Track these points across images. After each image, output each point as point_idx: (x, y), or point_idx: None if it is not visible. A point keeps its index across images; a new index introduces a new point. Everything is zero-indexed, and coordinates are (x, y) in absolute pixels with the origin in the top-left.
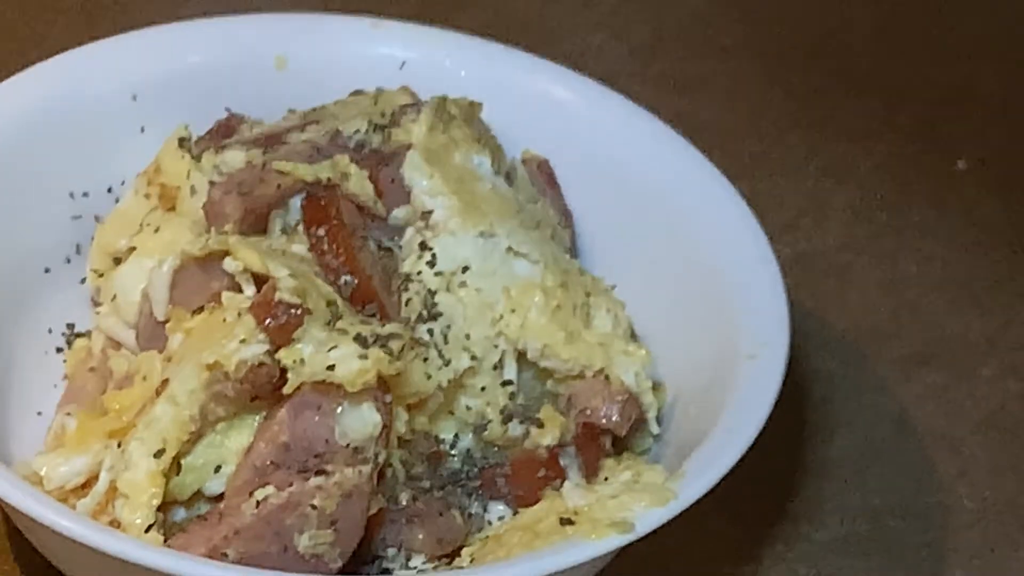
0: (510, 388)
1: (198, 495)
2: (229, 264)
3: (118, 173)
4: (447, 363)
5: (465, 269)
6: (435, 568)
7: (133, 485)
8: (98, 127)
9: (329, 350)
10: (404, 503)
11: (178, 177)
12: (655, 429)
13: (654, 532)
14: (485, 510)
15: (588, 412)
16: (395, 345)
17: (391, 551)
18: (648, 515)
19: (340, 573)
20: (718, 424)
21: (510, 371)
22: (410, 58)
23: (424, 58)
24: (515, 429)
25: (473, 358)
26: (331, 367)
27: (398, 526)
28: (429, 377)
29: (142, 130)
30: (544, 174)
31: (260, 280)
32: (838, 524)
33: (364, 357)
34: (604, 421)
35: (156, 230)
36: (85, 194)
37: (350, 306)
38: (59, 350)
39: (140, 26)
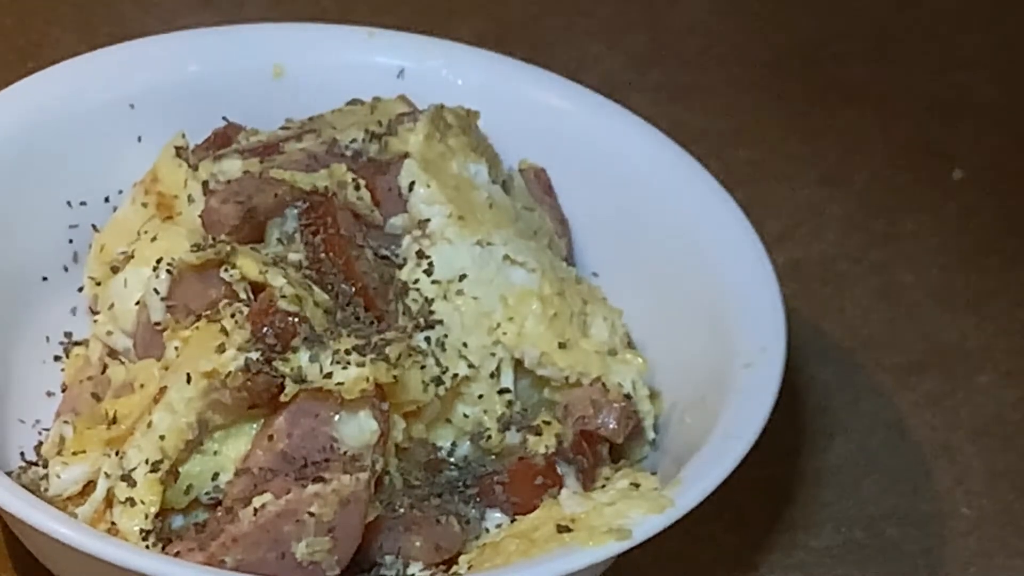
0: (507, 396)
1: (196, 503)
2: (226, 272)
3: (115, 182)
4: (444, 371)
5: (462, 277)
6: (432, 575)
7: (131, 493)
8: (95, 136)
9: (326, 358)
10: (402, 511)
11: (175, 186)
12: (651, 436)
13: (651, 539)
14: (483, 517)
15: (585, 420)
16: (392, 353)
17: (389, 558)
18: (645, 522)
19: None
20: (715, 432)
21: (507, 379)
22: (407, 67)
23: (421, 67)
24: (512, 437)
25: (470, 366)
26: (328, 375)
27: (396, 533)
28: (426, 385)
29: (139, 139)
30: (541, 183)
31: (257, 289)
32: (835, 532)
33: (361, 365)
34: (601, 429)
35: (153, 239)
36: (83, 203)
37: (347, 314)
38: (57, 358)
39: (137, 36)
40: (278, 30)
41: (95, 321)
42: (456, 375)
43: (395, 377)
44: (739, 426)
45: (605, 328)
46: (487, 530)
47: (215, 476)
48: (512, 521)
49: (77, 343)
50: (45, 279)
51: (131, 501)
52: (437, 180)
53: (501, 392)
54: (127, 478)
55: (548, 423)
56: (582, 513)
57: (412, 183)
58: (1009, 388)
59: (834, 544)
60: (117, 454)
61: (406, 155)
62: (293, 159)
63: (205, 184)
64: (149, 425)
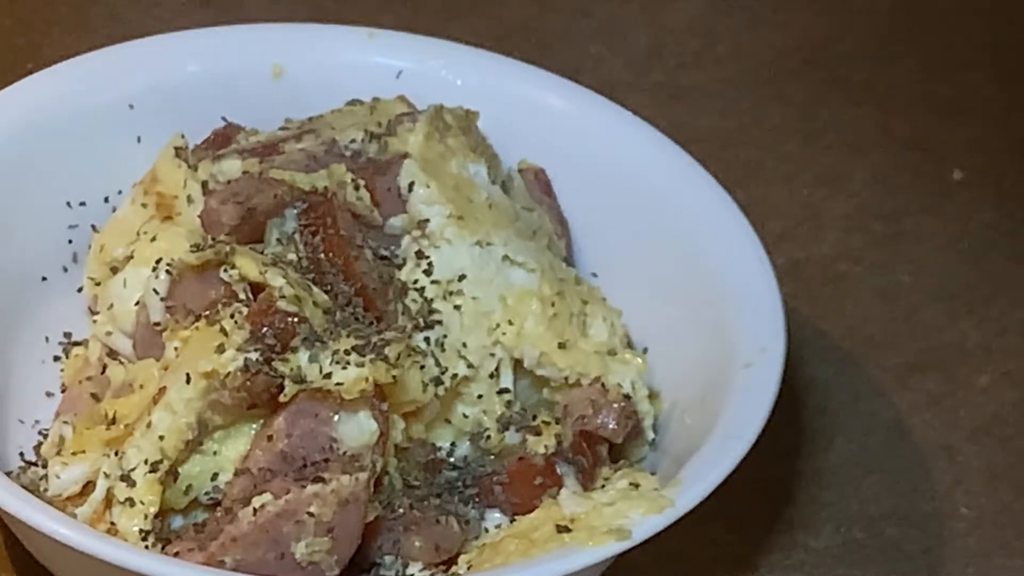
0: (507, 396)
1: (195, 503)
2: (226, 273)
3: (115, 182)
4: (444, 371)
5: (462, 278)
6: (432, 575)
7: (130, 493)
8: (95, 136)
9: (326, 358)
10: (401, 511)
11: (175, 186)
12: (651, 436)
13: (651, 539)
14: (482, 518)
15: (585, 420)
16: (392, 353)
17: (388, 559)
18: (645, 522)
19: None
20: (715, 432)
21: (507, 379)
22: (406, 67)
23: (421, 67)
24: (512, 437)
25: (470, 366)
26: (328, 375)
27: (395, 534)
28: (426, 385)
29: (139, 139)
30: (541, 183)
31: (257, 289)
32: (835, 532)
33: (361, 365)
34: (601, 429)
35: (153, 239)
36: (82, 203)
37: (347, 314)
38: (56, 359)
39: (137, 36)
40: (277, 30)
41: (94, 321)
42: (455, 375)
43: (394, 377)
44: (739, 426)
45: (604, 328)
46: (486, 530)
47: (214, 476)
48: (511, 521)
49: (76, 343)
50: (44, 279)
51: (130, 501)
52: (437, 180)
53: (500, 392)
54: (126, 478)
55: (548, 423)
56: (582, 513)
57: (412, 183)
58: (1009, 388)
59: (834, 544)
60: (116, 454)
61: (405, 155)
62: (292, 159)
63: (205, 184)
64: (148, 425)
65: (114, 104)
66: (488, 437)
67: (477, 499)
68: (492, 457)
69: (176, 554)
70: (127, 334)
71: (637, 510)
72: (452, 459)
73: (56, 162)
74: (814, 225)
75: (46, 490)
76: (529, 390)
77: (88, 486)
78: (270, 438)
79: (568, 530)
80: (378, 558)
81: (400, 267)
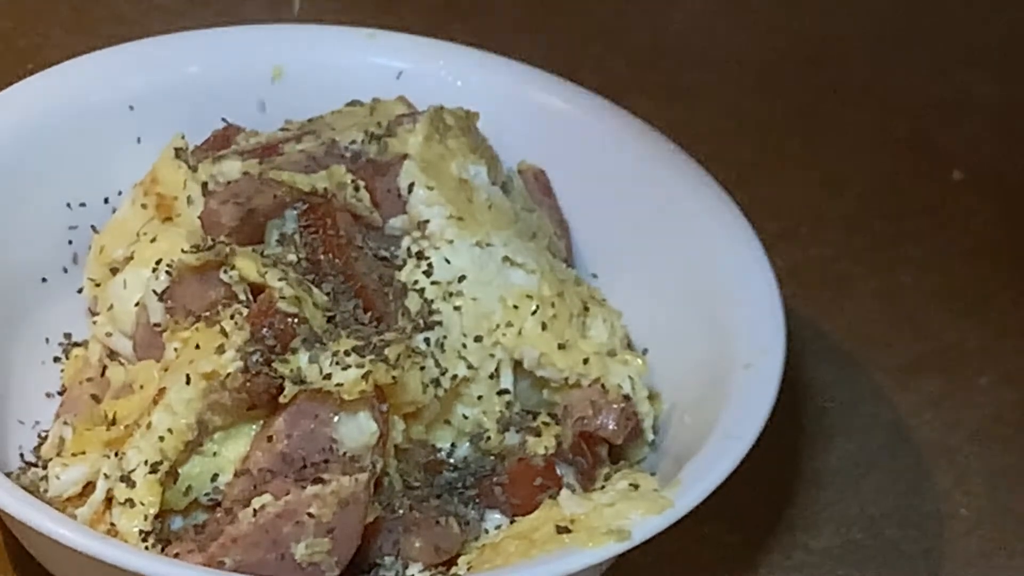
0: (507, 397)
1: (195, 504)
2: (226, 274)
3: (115, 183)
4: (444, 372)
5: (462, 279)
6: None
7: (130, 494)
8: (95, 137)
9: (325, 359)
10: (401, 512)
11: (175, 187)
12: (651, 437)
13: (650, 540)
14: (482, 518)
15: (585, 421)
16: (391, 354)
17: (388, 559)
18: (645, 523)
19: None
20: (714, 433)
21: (507, 380)
22: (406, 68)
23: (420, 68)
24: (512, 438)
25: (470, 367)
26: (328, 376)
27: (395, 534)
28: (425, 386)
29: (139, 140)
30: (540, 184)
31: (257, 290)
32: (835, 532)
33: (360, 366)
34: (601, 430)
35: (153, 240)
36: (82, 204)
37: (347, 315)
38: (56, 360)
39: (137, 37)
40: (277, 31)
41: (94, 322)
42: (455, 376)
43: (394, 378)
44: (739, 427)
45: (604, 329)
46: (486, 531)
47: (214, 477)
48: (511, 522)
49: (76, 344)
50: (44, 280)
51: (130, 502)
52: (437, 181)
53: (500, 393)
54: (126, 479)
55: (547, 424)
56: (581, 514)
57: (411, 184)
58: (1009, 389)
59: (834, 545)
60: (116, 455)
61: (405, 156)
62: (292, 160)
63: (204, 185)
64: (148, 426)
65: (114, 104)
66: (488, 438)
67: (477, 500)
68: (492, 458)
69: (176, 555)
70: (127, 335)
71: (637, 511)
72: (452, 460)
73: (56, 162)
74: (814, 226)
75: (46, 491)
76: (529, 391)
77: (88, 487)
78: (270, 439)
79: (568, 531)
80: (378, 559)
81: (400, 268)
